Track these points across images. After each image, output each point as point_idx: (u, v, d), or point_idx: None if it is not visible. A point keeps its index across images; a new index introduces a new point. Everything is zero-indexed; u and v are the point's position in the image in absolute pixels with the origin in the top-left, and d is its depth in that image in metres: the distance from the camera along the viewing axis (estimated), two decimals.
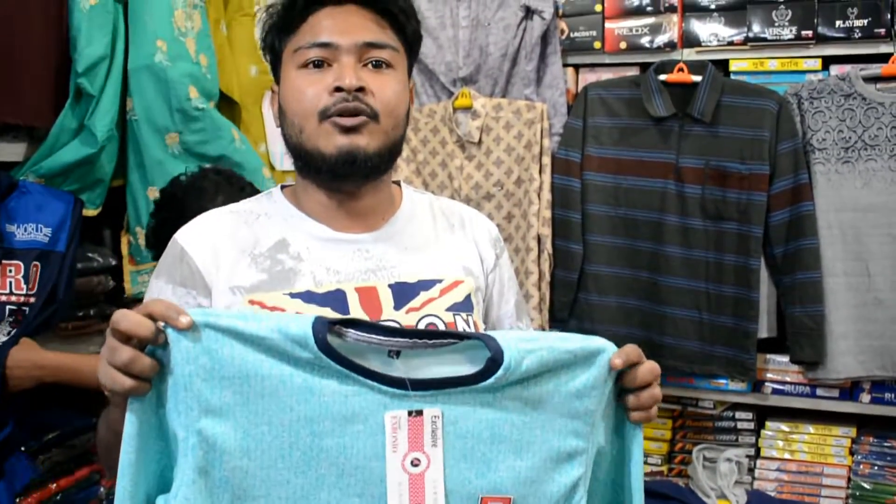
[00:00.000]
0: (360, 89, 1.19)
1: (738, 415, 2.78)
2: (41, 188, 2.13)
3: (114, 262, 2.44)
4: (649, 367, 1.10)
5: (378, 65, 1.23)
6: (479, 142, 2.76)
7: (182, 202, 1.92)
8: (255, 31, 2.68)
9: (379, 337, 1.01)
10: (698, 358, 2.64)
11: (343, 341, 1.00)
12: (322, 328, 0.98)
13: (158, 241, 1.92)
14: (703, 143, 2.61)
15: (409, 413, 0.99)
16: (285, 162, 2.69)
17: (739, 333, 2.60)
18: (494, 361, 1.00)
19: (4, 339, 2.05)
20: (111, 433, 1.13)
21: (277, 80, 1.30)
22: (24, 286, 2.07)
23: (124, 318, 0.97)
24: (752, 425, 2.77)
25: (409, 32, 1.28)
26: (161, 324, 0.98)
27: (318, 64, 1.21)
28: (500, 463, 1.03)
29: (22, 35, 2.12)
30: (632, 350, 1.09)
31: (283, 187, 1.35)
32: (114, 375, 0.97)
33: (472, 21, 2.79)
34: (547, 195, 2.73)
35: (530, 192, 2.72)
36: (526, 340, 1.03)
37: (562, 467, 1.05)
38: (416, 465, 1.00)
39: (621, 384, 1.10)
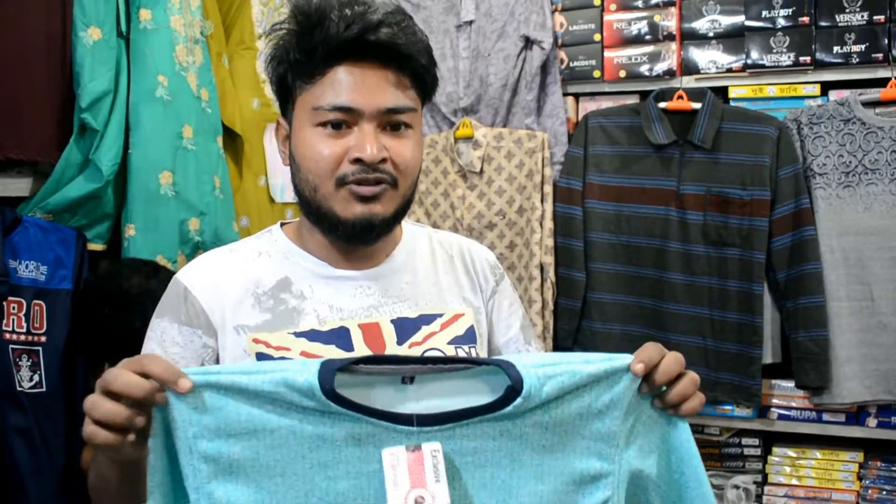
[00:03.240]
0: (382, 160, 1.18)
1: (745, 441, 2.77)
2: (43, 224, 2.14)
3: None
4: (672, 359, 1.04)
5: (397, 127, 1.21)
6: (481, 171, 2.78)
7: (99, 288, 2.05)
8: (257, 64, 2.70)
9: (391, 366, 1.00)
10: (703, 384, 2.59)
11: (353, 376, 0.98)
12: (329, 375, 0.96)
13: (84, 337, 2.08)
14: (703, 169, 2.62)
15: (407, 448, 0.96)
16: (285, 195, 2.71)
17: (744, 359, 2.59)
18: (514, 390, 0.98)
19: (30, 385, 2.06)
20: (101, 481, 1.12)
21: (284, 111, 1.28)
22: (24, 324, 2.07)
23: (118, 379, 0.93)
24: (758, 451, 2.75)
25: (428, 83, 1.26)
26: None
27: (337, 125, 1.19)
28: (521, 489, 1.01)
29: (26, 71, 2.13)
30: (652, 350, 1.04)
31: (282, 224, 1.35)
32: (94, 430, 0.94)
33: (472, 52, 2.82)
34: (549, 224, 2.74)
35: (532, 220, 2.73)
36: (546, 365, 1.00)
37: (586, 489, 1.03)
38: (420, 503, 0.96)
39: (650, 389, 1.04)
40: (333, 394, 0.96)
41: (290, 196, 2.68)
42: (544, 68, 2.78)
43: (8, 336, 2.04)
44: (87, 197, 2.18)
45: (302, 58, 1.19)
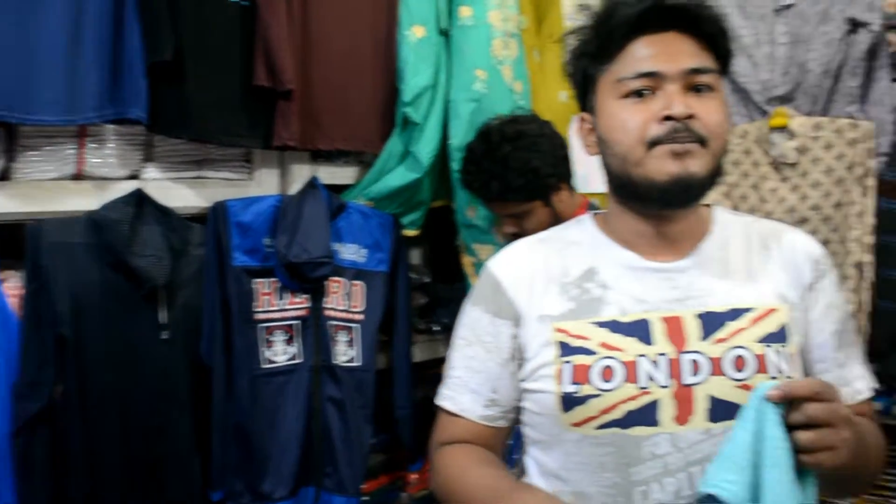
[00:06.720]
0: (690, 116, 1.18)
1: None
2: (365, 210, 2.30)
3: (427, 280, 2.58)
4: (825, 407, 1.05)
5: (700, 90, 1.21)
6: (795, 163, 2.62)
7: (500, 130, 2.10)
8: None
9: None
10: None
11: None
12: None
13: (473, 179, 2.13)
14: None
15: None
16: (587, 185, 2.72)
17: None
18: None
19: (345, 359, 2.23)
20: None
21: (584, 106, 1.31)
22: (344, 302, 2.25)
23: None
24: None
25: (724, 53, 1.26)
26: None
27: (641, 93, 1.21)
28: None
29: (354, 69, 2.29)
30: (803, 384, 1.06)
31: (594, 214, 1.37)
32: None
33: (791, 37, 2.66)
34: (870, 219, 2.53)
35: (850, 216, 2.54)
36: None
37: None
38: None
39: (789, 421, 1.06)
40: None
41: (591, 187, 2.68)
42: (871, 52, 2.57)
43: (328, 313, 2.21)
44: (406, 186, 2.31)
45: (602, 42, 1.24)
